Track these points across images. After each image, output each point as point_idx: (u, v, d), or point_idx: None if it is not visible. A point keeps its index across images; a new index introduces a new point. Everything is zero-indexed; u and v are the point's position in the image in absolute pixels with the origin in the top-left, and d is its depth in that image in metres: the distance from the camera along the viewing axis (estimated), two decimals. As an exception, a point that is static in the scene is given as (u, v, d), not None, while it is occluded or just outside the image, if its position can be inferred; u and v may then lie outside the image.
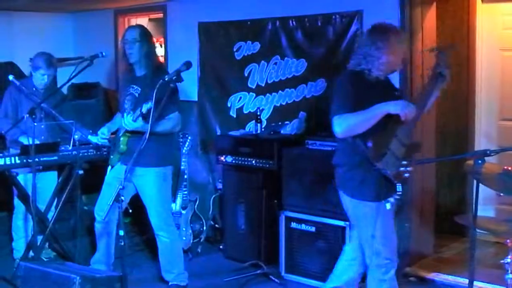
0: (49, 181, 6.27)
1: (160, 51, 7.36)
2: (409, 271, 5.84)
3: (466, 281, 5.23)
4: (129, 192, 5.47)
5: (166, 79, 4.84)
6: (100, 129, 5.68)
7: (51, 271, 4.61)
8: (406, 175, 4.34)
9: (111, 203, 4.43)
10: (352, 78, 4.53)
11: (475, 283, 4.06)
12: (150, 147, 4.92)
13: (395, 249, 4.63)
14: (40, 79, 6.13)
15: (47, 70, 6.10)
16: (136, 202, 5.56)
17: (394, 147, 4.30)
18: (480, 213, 4.01)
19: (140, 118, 5.12)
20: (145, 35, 5.46)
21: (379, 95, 4.42)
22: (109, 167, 5.59)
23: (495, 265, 5.35)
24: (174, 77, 4.86)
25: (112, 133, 5.64)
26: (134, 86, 5.45)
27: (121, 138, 5.39)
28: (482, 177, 3.86)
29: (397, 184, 4.37)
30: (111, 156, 5.57)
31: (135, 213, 4.65)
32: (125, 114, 5.31)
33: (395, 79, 5.17)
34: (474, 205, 3.78)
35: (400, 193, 4.38)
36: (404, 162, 4.31)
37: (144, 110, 5.01)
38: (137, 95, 5.41)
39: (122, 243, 4.37)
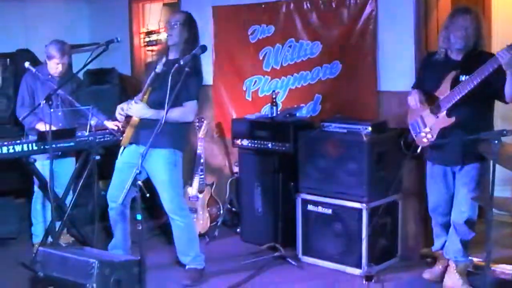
0: (67, 166, 6.31)
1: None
2: (426, 252, 5.83)
3: (482, 262, 5.34)
4: (142, 176, 5.44)
5: (182, 63, 4.83)
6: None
7: (70, 256, 4.64)
8: None
9: (128, 187, 4.43)
10: None
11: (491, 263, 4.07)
12: (163, 129, 4.89)
13: None
14: (54, 67, 6.15)
15: (61, 59, 6.12)
16: (151, 186, 5.58)
17: None
18: (496, 194, 4.00)
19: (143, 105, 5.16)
20: (189, 21, 5.44)
21: None
22: (121, 149, 5.55)
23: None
24: (189, 61, 4.85)
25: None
26: (160, 66, 5.38)
27: (135, 118, 5.37)
28: (498, 158, 3.84)
29: None
30: (124, 134, 5.51)
31: (150, 197, 4.64)
32: (133, 102, 5.31)
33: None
34: (491, 186, 3.77)
35: None
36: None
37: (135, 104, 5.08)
38: (159, 72, 5.28)
39: (140, 227, 4.38)
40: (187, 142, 5.78)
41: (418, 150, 5.12)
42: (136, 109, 5.30)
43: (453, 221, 5.16)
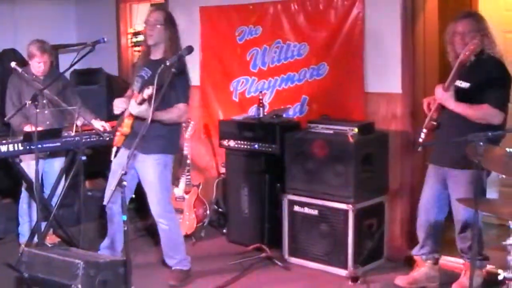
0: (56, 167, 6.30)
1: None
2: (412, 253, 5.83)
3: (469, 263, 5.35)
4: (134, 178, 5.48)
5: (168, 63, 4.82)
6: (109, 115, 5.69)
7: (55, 257, 4.61)
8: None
9: (113, 189, 4.42)
10: None
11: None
12: (154, 133, 4.89)
13: None
14: (37, 66, 6.17)
15: (41, 57, 6.13)
16: (140, 188, 5.58)
17: None
18: (490, 195, 4.00)
19: (146, 103, 5.07)
20: (169, 20, 5.40)
21: None
22: (114, 149, 5.53)
23: (498, 247, 5.35)
24: (175, 62, 4.84)
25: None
26: (146, 68, 5.41)
27: (126, 120, 5.36)
28: (484, 159, 3.85)
29: None
30: (116, 137, 5.52)
31: (139, 199, 4.63)
32: (131, 100, 5.28)
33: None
34: (475, 189, 3.78)
35: None
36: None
37: (145, 95, 4.99)
38: (146, 77, 5.37)
39: (125, 228, 4.37)
40: (178, 146, 5.76)
41: (421, 138, 5.09)
42: (131, 104, 5.25)
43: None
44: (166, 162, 5.46)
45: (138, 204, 6.78)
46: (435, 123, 5.02)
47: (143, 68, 5.46)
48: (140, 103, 5.10)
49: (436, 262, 5.38)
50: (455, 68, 4.80)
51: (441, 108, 4.98)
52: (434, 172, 5.21)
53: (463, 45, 4.85)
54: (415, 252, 5.42)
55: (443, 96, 4.90)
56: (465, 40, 4.87)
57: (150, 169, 5.40)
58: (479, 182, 4.84)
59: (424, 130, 5.07)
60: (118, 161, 5.46)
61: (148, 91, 4.92)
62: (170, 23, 5.41)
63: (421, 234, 5.36)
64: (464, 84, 4.91)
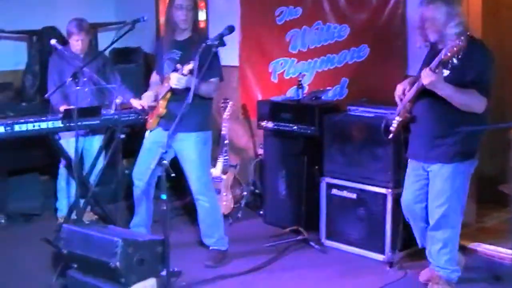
0: (95, 145, 6.36)
1: (201, 15, 7.31)
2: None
3: (509, 251, 5.29)
4: (169, 156, 5.46)
5: (209, 43, 4.82)
6: (143, 93, 5.71)
7: (94, 234, 4.66)
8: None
9: (153, 167, 4.42)
10: None
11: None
12: (190, 111, 4.90)
13: None
14: (75, 44, 6.23)
15: (78, 35, 6.18)
16: (176, 167, 5.57)
17: None
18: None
19: (187, 77, 5.07)
20: (196, 2, 5.46)
21: None
22: (147, 132, 5.58)
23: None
24: (217, 41, 4.84)
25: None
26: (175, 50, 5.43)
27: (160, 102, 5.38)
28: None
29: None
30: (150, 120, 5.56)
31: (175, 177, 4.64)
32: (171, 73, 5.27)
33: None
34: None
35: None
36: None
37: (185, 71, 4.99)
38: (178, 58, 5.38)
39: (164, 207, 4.36)
40: (212, 120, 5.81)
41: (392, 127, 4.91)
42: (174, 77, 5.23)
43: None
44: (206, 138, 5.51)
45: (175, 183, 6.79)
46: (408, 115, 4.80)
47: (171, 51, 5.47)
48: (185, 75, 5.10)
49: None
50: (436, 62, 4.46)
51: (416, 98, 4.74)
52: (415, 167, 4.98)
53: (437, 32, 4.61)
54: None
55: (432, 77, 4.46)
56: (437, 26, 4.60)
57: (191, 146, 5.43)
58: (461, 177, 4.75)
59: (398, 118, 4.85)
60: (152, 139, 5.48)
61: (188, 66, 4.92)
62: (196, 4, 5.49)
63: (417, 237, 5.18)
64: (445, 71, 4.58)
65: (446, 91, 4.52)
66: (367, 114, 5.72)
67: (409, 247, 5.63)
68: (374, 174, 5.56)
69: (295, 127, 6.21)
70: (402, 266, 5.36)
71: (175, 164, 5.53)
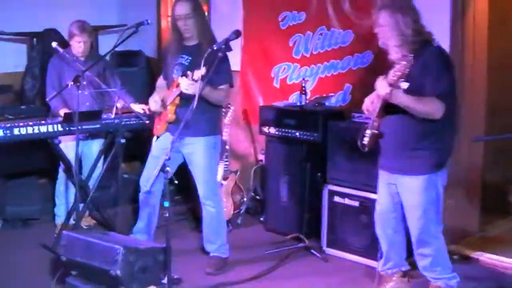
0: (94, 149, 6.32)
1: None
2: (453, 249, 5.72)
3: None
4: (176, 161, 5.45)
5: (215, 47, 4.81)
6: (148, 97, 5.67)
7: (94, 241, 4.63)
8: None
9: (157, 173, 4.38)
10: None
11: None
12: (199, 116, 4.88)
13: None
14: (77, 46, 6.16)
15: (81, 37, 6.13)
16: (180, 171, 5.54)
17: None
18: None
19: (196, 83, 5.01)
20: (196, 7, 5.35)
21: None
22: (155, 138, 5.54)
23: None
24: (223, 46, 4.81)
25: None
26: (184, 56, 5.38)
27: (169, 107, 5.34)
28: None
29: None
30: (157, 126, 5.52)
31: (181, 182, 4.62)
32: (181, 78, 5.20)
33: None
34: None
35: None
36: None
37: (195, 77, 4.94)
38: (187, 64, 5.35)
39: (167, 215, 4.31)
40: (221, 127, 5.80)
41: (365, 140, 4.76)
42: (184, 82, 5.16)
43: None
44: (215, 143, 5.51)
45: (177, 188, 6.77)
46: (376, 131, 4.69)
47: (179, 56, 5.42)
48: (196, 81, 5.01)
49: (404, 275, 5.15)
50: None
51: (383, 112, 4.64)
52: (385, 178, 4.88)
53: (386, 39, 4.56)
54: (380, 268, 5.15)
55: (387, 90, 4.40)
56: (383, 36, 4.57)
57: (200, 151, 5.41)
58: (434, 188, 4.68)
59: (369, 132, 4.72)
60: (160, 145, 5.45)
61: (198, 73, 4.89)
62: (198, 9, 5.38)
63: (383, 247, 5.09)
64: (404, 84, 4.42)
65: (402, 101, 4.46)
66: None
67: (411, 256, 5.58)
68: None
69: (298, 133, 6.16)
70: (405, 274, 5.29)
71: (180, 168, 5.52)
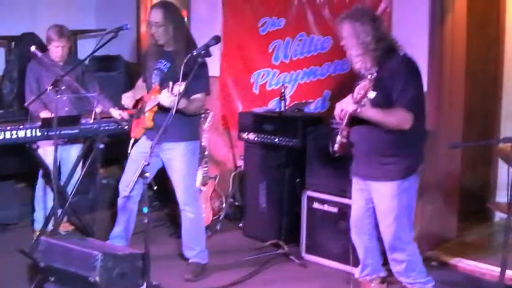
0: (73, 154, 6.27)
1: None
2: (431, 255, 5.75)
3: (490, 267, 5.29)
4: (155, 166, 5.44)
5: (195, 53, 4.80)
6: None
7: (73, 247, 4.60)
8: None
9: (135, 179, 4.37)
10: None
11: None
12: (178, 122, 4.86)
13: None
14: (55, 51, 6.14)
15: (59, 41, 6.10)
16: (159, 177, 5.53)
17: None
18: (502, 198, 3.91)
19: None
20: (169, 15, 5.29)
21: None
22: (132, 140, 5.51)
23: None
24: (203, 52, 4.80)
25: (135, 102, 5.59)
26: (163, 61, 5.37)
27: (147, 114, 5.33)
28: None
29: None
30: (135, 129, 5.50)
31: (161, 187, 4.60)
32: (162, 90, 5.18)
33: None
34: (509, 192, 3.68)
35: None
36: None
37: (175, 91, 4.92)
38: (166, 70, 5.33)
39: (146, 221, 4.30)
40: (200, 133, 5.80)
41: (336, 147, 4.76)
42: (165, 95, 5.13)
43: None
44: (194, 149, 5.49)
45: (155, 193, 6.74)
46: (345, 140, 4.69)
47: (159, 60, 5.42)
48: (175, 95, 4.97)
49: (382, 281, 5.18)
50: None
51: (352, 121, 4.62)
52: (358, 185, 4.92)
53: (349, 50, 4.61)
54: (358, 274, 5.19)
55: (354, 107, 4.41)
56: (349, 44, 4.59)
57: (178, 156, 5.39)
58: (406, 194, 4.69)
59: (339, 139, 4.71)
60: (139, 150, 5.43)
61: (178, 88, 4.86)
62: (171, 17, 5.31)
63: (360, 254, 5.11)
64: (371, 93, 4.39)
65: (370, 115, 4.47)
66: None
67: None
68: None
69: (277, 139, 6.16)
70: (383, 280, 5.30)
71: (161, 174, 5.52)
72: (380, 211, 4.77)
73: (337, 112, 4.74)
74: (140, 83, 5.74)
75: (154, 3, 6.18)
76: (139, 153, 5.38)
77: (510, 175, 3.79)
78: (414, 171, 4.71)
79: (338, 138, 4.72)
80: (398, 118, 4.49)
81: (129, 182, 5.22)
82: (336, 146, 4.74)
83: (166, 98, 5.07)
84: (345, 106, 4.51)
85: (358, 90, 4.32)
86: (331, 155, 4.84)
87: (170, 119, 4.58)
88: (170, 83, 5.07)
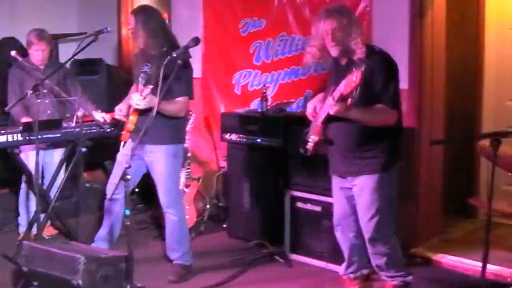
0: (56, 158, 6.25)
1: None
2: (415, 252, 5.78)
3: (473, 263, 5.31)
4: (140, 169, 5.44)
5: (174, 55, 4.78)
6: (109, 105, 5.63)
7: (55, 251, 4.57)
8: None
9: (117, 182, 4.36)
10: None
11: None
12: (161, 124, 4.86)
13: None
14: (36, 55, 6.13)
15: (39, 45, 6.09)
16: (143, 179, 5.54)
17: None
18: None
19: (150, 95, 5.00)
20: (141, 20, 5.27)
21: None
22: (121, 144, 5.51)
23: (506, 247, 5.34)
24: (182, 54, 4.80)
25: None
26: (149, 64, 5.35)
27: (131, 117, 5.32)
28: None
29: None
30: (123, 132, 5.49)
31: (142, 190, 4.59)
32: (133, 94, 5.21)
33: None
34: (490, 188, 3.70)
35: None
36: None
37: (144, 93, 4.94)
38: (150, 72, 5.31)
39: (128, 223, 4.30)
40: (185, 135, 5.74)
41: (309, 145, 4.78)
42: (135, 98, 5.16)
43: None
44: (176, 151, 5.45)
45: (139, 196, 6.74)
46: (321, 137, 4.70)
47: (145, 64, 5.40)
48: (144, 98, 5.03)
49: (366, 278, 5.21)
50: (337, 94, 4.36)
51: (328, 120, 4.63)
52: (339, 183, 4.93)
53: (337, 46, 4.56)
54: (342, 272, 5.21)
55: (336, 107, 4.39)
56: (337, 40, 4.54)
57: (160, 159, 5.37)
58: (387, 186, 4.72)
59: (314, 137, 4.72)
60: (124, 152, 5.41)
61: (146, 90, 4.94)
62: (145, 22, 5.28)
63: (344, 252, 5.13)
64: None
65: (354, 116, 4.48)
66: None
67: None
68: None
69: (259, 140, 6.17)
70: (367, 278, 5.32)
71: (145, 176, 5.52)
72: (362, 204, 4.77)
73: (309, 111, 4.77)
74: (133, 88, 5.71)
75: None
76: (123, 156, 5.37)
77: (490, 171, 3.81)
78: (393, 164, 4.73)
79: (312, 137, 4.73)
80: (385, 116, 4.54)
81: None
82: (309, 145, 4.76)
83: (137, 100, 5.09)
84: (328, 108, 4.47)
85: (344, 88, 4.26)
86: (304, 154, 4.87)
87: (150, 122, 4.57)
88: (140, 86, 5.10)
